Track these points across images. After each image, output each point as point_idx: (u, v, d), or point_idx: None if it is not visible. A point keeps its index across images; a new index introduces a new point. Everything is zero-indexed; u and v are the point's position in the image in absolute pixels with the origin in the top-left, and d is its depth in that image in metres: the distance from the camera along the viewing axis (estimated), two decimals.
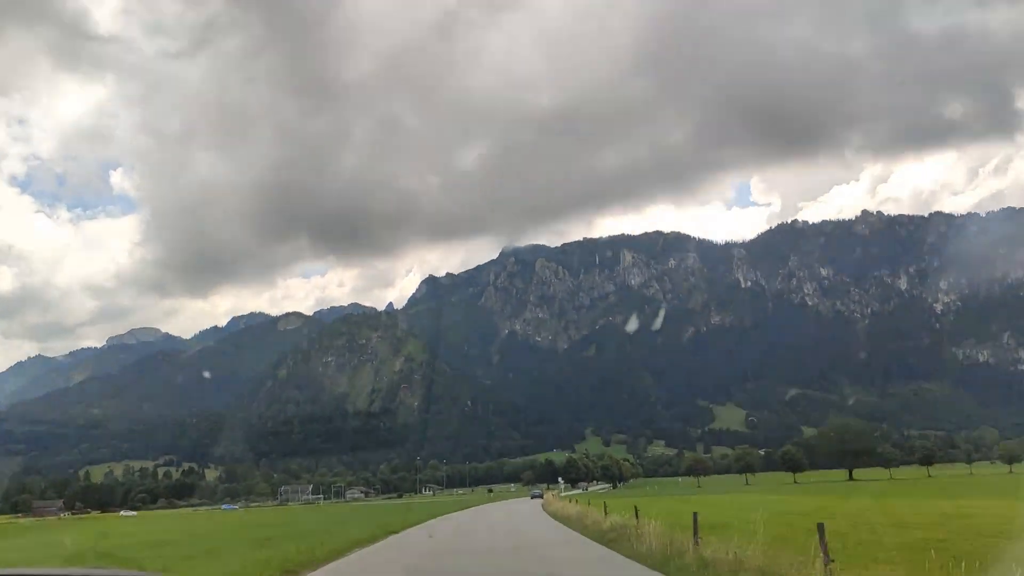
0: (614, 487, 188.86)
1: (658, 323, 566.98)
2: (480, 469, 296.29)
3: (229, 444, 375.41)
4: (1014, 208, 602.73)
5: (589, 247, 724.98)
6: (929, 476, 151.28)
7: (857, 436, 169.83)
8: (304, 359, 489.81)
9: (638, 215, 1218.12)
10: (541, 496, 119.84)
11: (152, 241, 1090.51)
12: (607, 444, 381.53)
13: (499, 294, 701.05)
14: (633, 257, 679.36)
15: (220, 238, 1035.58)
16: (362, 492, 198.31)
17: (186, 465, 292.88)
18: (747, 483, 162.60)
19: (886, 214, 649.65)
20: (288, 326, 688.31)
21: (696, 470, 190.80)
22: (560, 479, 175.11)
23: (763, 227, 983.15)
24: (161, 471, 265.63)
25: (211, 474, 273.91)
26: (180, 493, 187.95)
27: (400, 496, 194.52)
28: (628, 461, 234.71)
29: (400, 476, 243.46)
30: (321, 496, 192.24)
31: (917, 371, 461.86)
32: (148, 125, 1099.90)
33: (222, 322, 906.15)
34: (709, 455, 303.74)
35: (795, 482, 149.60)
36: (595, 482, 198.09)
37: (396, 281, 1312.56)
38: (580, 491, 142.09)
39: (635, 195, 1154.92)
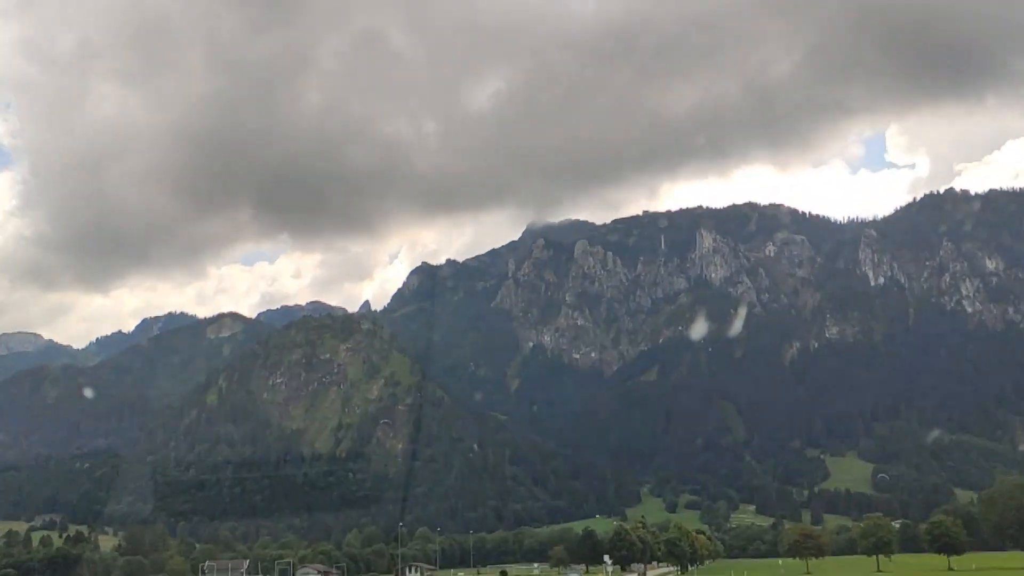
0: (683, 572, 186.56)
1: (746, 335, 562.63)
2: (489, 541, 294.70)
3: (134, 499, 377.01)
4: None
5: (651, 226, 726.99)
6: None
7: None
8: (242, 380, 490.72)
9: (722, 180, 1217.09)
10: None
11: (32, 209, 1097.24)
12: (672, 509, 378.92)
13: (521, 291, 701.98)
14: (715, 240, 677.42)
15: (128, 207, 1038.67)
16: (319, 573, 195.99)
17: (73, 529, 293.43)
18: (879, 569, 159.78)
19: None
20: (221, 333, 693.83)
21: (803, 549, 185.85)
22: (607, 559, 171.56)
23: (903, 199, 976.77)
24: (37, 536, 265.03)
25: (107, 542, 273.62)
26: (61, 569, 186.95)
27: None
28: (704, 534, 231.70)
29: (374, 550, 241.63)
30: None
31: None
32: (29, 45, 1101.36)
33: (128, 326, 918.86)
34: (820, 527, 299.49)
35: (950, 568, 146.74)
36: (656, 564, 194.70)
37: (375, 271, 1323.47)
38: None
39: (719, 151, 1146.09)
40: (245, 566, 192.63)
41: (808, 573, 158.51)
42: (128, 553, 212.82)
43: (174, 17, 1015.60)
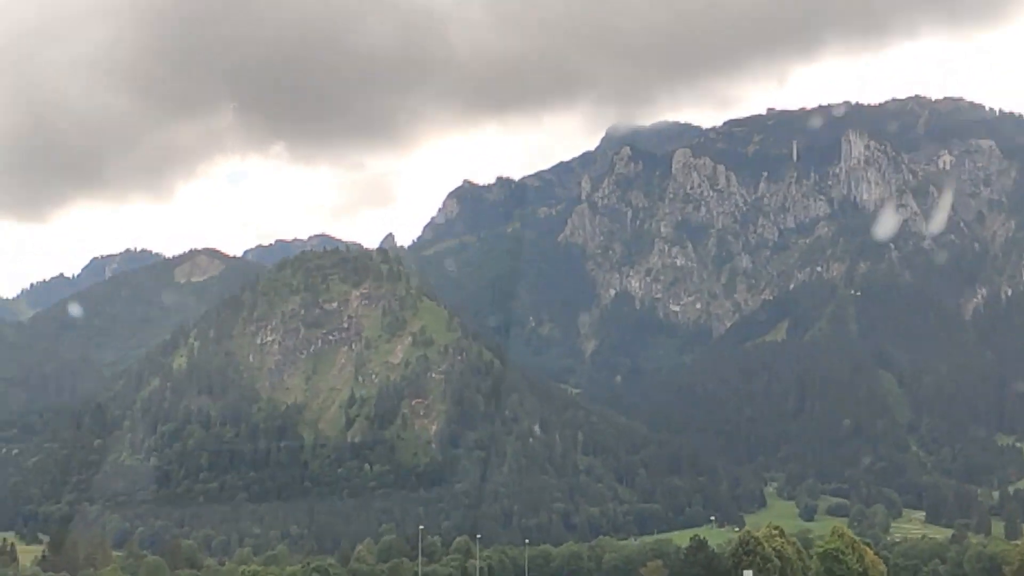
0: None
1: (913, 279, 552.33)
2: (556, 557, 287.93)
3: (73, 497, 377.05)
4: None
5: (779, 129, 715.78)
6: None
7: None
8: (221, 338, 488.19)
9: (878, 63, 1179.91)
10: None
11: None
12: (809, 516, 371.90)
13: (600, 220, 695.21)
14: (867, 148, 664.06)
15: (71, 108, 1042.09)
16: None
17: None
18: None
19: None
20: (195, 276, 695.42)
21: (992, 568, 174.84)
22: None
23: None
24: None
25: (27, 553, 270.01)
26: None
27: None
28: (869, 547, 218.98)
29: (391, 566, 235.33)
30: None
31: None
32: None
33: (74, 268, 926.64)
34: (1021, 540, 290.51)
35: None
36: None
37: (400, 194, 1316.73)
38: None
39: (874, 21, 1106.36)
40: None
41: None
42: (53, 568, 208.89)
43: None
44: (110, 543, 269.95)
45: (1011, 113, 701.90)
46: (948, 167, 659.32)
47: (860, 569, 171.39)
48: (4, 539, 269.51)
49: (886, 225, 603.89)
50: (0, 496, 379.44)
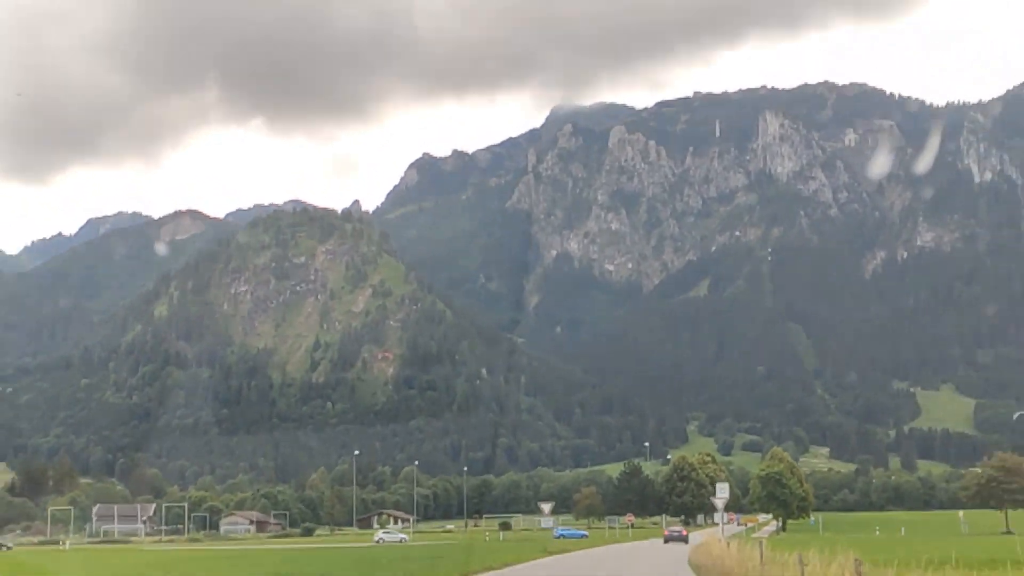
0: (784, 529, 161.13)
1: (819, 241, 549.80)
2: (497, 486, 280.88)
3: (62, 430, 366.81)
4: None
5: (704, 109, 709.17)
6: None
7: None
8: (198, 288, 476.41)
9: (793, 51, 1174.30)
10: (684, 539, 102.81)
11: None
12: (727, 451, 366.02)
13: (543, 188, 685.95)
14: (782, 126, 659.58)
15: (71, 82, 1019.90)
16: (250, 522, 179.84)
17: None
18: (1009, 528, 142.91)
19: None
20: (179, 235, 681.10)
21: (1001, 495, 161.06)
22: (718, 500, 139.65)
23: (1019, 78, 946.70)
24: None
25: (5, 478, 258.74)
26: None
27: (308, 532, 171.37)
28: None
29: (338, 492, 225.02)
30: (142, 527, 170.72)
31: None
32: None
33: (71, 228, 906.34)
34: (916, 473, 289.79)
35: None
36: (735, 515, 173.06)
37: (366, 164, 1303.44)
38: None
39: (789, 14, 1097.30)
40: (151, 511, 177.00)
41: (1010, 531, 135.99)
42: (24, 494, 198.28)
43: None
44: (77, 472, 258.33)
45: (909, 97, 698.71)
46: (853, 143, 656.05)
47: (801, 492, 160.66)
48: None
49: (798, 195, 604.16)
50: None
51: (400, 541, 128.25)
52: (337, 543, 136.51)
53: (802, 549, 34.05)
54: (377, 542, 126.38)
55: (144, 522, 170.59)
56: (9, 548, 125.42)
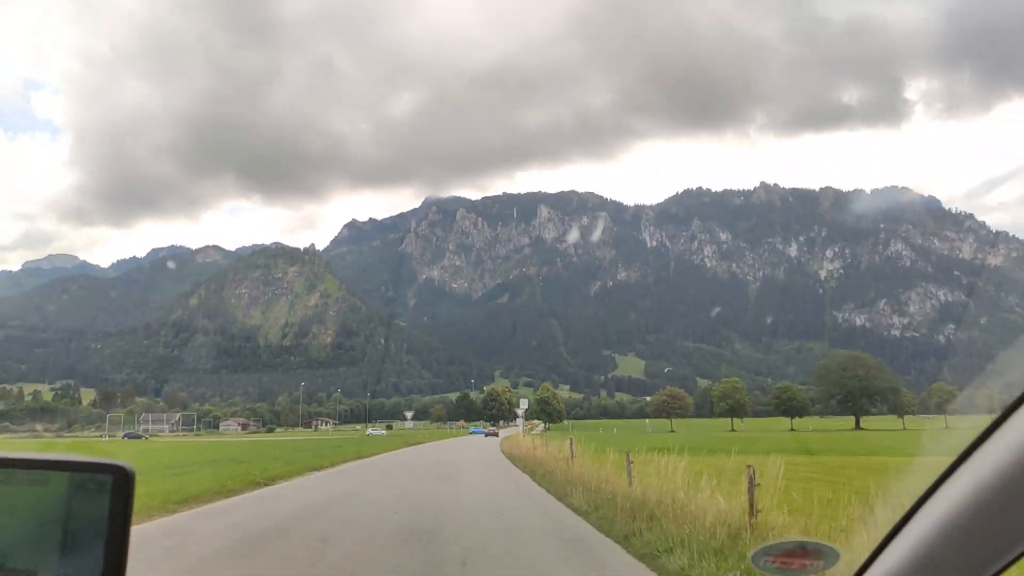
0: (548, 428, 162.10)
1: (567, 275, 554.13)
2: (387, 405, 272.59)
3: (131, 369, 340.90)
4: (896, 187, 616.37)
5: (508, 201, 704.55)
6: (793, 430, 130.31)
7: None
8: (217, 290, 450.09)
9: (556, 173, 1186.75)
10: (496, 435, 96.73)
11: (77, 167, 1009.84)
12: (515, 386, 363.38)
13: (419, 241, 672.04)
14: (549, 213, 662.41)
15: (146, 169, 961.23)
16: (239, 424, 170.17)
17: (60, 383, 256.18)
18: (732, 428, 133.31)
19: (782, 186, 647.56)
20: (207, 259, 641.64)
21: (671, 410, 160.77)
22: (519, 408, 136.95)
23: (670, 192, 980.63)
24: (28, 393, 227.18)
25: (87, 396, 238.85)
26: (41, 416, 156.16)
27: (271, 430, 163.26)
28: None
29: (291, 407, 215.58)
30: (167, 428, 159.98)
31: (800, 331, 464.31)
32: (74, 47, 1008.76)
33: (141, 253, 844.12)
34: (614, 399, 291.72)
35: (792, 429, 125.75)
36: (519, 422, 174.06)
37: (320, 224, 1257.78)
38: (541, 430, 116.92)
39: (555, 154, 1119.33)
40: (177, 417, 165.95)
41: (673, 431, 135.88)
42: (100, 407, 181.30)
43: (181, 33, 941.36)
44: (135, 394, 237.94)
45: (614, 200, 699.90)
46: (585, 223, 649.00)
47: (558, 407, 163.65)
48: (68, 383, 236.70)
49: (556, 249, 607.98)
50: (89, 369, 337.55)
51: (381, 435, 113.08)
52: (288, 437, 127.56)
53: (563, 438, 32.80)
54: (368, 435, 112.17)
55: (170, 424, 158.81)
56: (145, 438, 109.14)
